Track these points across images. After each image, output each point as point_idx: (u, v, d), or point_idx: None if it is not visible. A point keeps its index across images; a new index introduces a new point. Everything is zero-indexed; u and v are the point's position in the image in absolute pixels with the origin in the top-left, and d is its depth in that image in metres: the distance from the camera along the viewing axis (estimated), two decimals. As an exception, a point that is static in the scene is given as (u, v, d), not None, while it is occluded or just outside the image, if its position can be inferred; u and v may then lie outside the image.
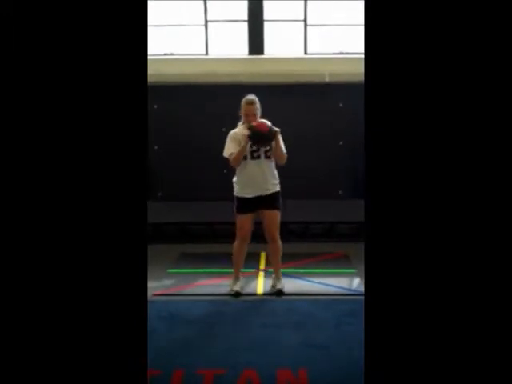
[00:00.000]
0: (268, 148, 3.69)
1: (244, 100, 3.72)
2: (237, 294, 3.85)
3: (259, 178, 3.72)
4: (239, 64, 5.97)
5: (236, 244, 3.90)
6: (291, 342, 3.04)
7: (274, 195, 3.79)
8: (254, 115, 3.69)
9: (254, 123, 3.62)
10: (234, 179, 3.84)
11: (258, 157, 3.70)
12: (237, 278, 3.97)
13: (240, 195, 3.78)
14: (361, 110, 1.91)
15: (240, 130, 3.74)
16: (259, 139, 3.61)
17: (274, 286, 3.96)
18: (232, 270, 4.02)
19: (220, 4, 6.04)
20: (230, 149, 3.71)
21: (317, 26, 6.10)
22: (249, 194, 3.74)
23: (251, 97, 3.72)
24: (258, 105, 3.72)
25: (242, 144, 3.62)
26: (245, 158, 3.68)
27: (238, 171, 3.78)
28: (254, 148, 3.66)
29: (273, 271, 4.03)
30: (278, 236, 3.87)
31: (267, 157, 3.72)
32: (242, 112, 3.72)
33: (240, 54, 6.11)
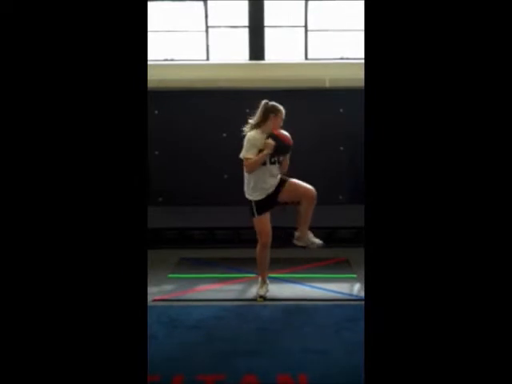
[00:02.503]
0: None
1: (279, 105, 3.80)
2: (261, 298, 3.87)
3: (274, 181, 3.83)
4: (240, 70, 5.99)
5: (259, 249, 3.90)
6: (291, 347, 3.04)
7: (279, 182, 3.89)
8: (282, 120, 3.83)
9: (277, 133, 3.74)
10: (250, 185, 3.82)
11: (275, 162, 3.82)
12: (264, 282, 3.99)
13: (257, 198, 3.81)
14: (361, 116, 1.91)
15: (260, 135, 3.75)
16: (282, 150, 3.76)
17: (304, 242, 3.97)
18: (232, 274, 3.99)
19: (221, 10, 6.06)
20: (249, 153, 3.72)
21: (317, 32, 6.12)
22: (264, 195, 3.82)
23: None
24: None
25: (266, 152, 3.69)
26: (264, 163, 3.77)
27: (253, 176, 3.78)
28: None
29: (300, 225, 3.94)
30: (307, 187, 3.87)
31: (279, 162, 3.86)
32: (279, 117, 3.78)
33: (241, 60, 6.12)
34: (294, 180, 3.89)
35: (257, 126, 3.78)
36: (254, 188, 3.80)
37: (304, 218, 3.91)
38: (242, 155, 3.74)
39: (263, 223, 3.82)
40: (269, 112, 3.76)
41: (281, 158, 3.83)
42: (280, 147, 3.71)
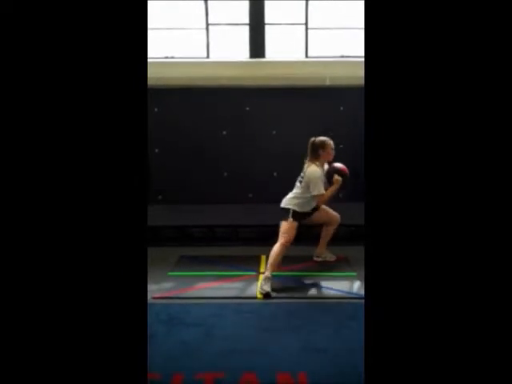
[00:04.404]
0: None
1: (326, 139, 4.23)
2: (267, 295, 3.90)
3: (314, 204, 4.36)
4: (240, 67, 5.98)
5: (278, 247, 4.15)
6: (291, 345, 3.04)
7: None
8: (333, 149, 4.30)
9: (340, 168, 4.27)
10: (296, 201, 4.25)
11: None
12: (270, 279, 4.03)
13: (295, 209, 4.26)
14: (361, 114, 1.91)
15: (319, 169, 4.18)
16: (346, 182, 4.29)
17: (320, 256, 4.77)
18: (232, 272, 3.99)
19: (221, 7, 6.06)
20: (321, 189, 4.17)
21: (318, 30, 6.11)
22: (301, 210, 4.30)
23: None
24: None
25: (335, 187, 4.22)
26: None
27: (303, 198, 4.25)
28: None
29: (321, 244, 4.75)
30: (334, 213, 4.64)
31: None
32: (329, 148, 4.23)
33: (241, 58, 6.12)
34: (324, 206, 4.53)
35: (313, 161, 4.20)
36: (298, 204, 4.25)
37: (325, 239, 4.73)
38: (315, 193, 4.13)
39: (293, 228, 4.21)
40: (317, 149, 4.21)
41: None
42: (345, 180, 4.24)
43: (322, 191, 4.16)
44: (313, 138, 4.24)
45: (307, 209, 4.33)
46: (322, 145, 4.21)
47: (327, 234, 4.72)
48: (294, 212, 4.25)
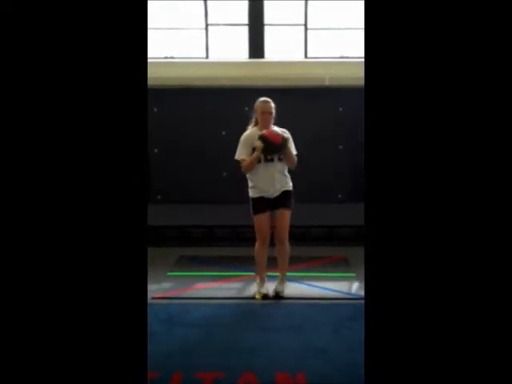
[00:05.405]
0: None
1: (259, 100, 3.81)
2: (265, 297, 3.86)
3: (272, 179, 3.80)
4: (239, 68, 5.98)
5: (257, 246, 3.91)
6: (290, 345, 3.04)
7: (286, 194, 3.87)
8: (271, 113, 3.79)
9: (266, 133, 3.68)
10: (250, 184, 3.88)
11: (272, 160, 3.78)
12: (263, 281, 3.96)
13: (252, 195, 3.85)
14: (361, 114, 1.91)
15: (253, 133, 3.78)
16: (272, 150, 3.71)
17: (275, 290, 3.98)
18: (232, 273, 4.00)
19: (221, 8, 6.06)
20: (242, 154, 3.80)
21: (317, 30, 6.12)
22: (264, 194, 3.83)
23: (265, 98, 3.83)
24: (273, 104, 3.82)
25: (256, 154, 3.70)
26: (258, 161, 3.76)
27: (250, 175, 3.84)
28: None
29: (278, 274, 4.02)
30: (286, 238, 3.90)
31: (279, 159, 3.81)
32: (259, 111, 3.80)
33: (240, 58, 6.12)
34: (288, 219, 3.86)
35: (255, 125, 3.86)
36: (251, 185, 3.87)
37: (279, 262, 3.96)
38: (235, 157, 3.81)
39: (259, 222, 3.83)
40: (255, 112, 3.84)
41: (280, 155, 3.77)
42: (269, 147, 3.68)
43: (241, 156, 3.77)
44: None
45: (263, 188, 3.79)
46: (255, 107, 3.82)
47: (278, 256, 3.97)
48: (253, 201, 3.84)
